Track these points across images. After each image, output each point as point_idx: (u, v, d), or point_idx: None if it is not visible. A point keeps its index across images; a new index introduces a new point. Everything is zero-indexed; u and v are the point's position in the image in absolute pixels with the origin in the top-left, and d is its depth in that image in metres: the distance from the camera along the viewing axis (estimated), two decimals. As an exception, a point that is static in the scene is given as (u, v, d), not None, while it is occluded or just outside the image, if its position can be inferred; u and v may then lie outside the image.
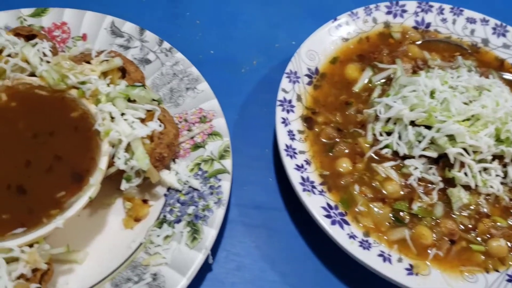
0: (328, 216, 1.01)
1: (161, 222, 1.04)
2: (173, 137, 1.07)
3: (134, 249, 1.01)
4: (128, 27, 1.28)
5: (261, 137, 1.23)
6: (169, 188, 1.09)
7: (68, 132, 1.04)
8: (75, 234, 1.02)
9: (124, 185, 1.02)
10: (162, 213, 1.05)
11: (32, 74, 1.11)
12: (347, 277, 1.05)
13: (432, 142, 1.08)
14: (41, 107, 1.08)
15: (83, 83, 1.07)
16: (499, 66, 1.30)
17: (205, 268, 1.03)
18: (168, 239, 1.00)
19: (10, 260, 0.88)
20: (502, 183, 1.08)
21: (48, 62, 1.11)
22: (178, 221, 1.03)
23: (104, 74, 1.12)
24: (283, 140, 1.09)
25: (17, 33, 1.16)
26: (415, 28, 1.35)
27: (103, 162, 1.00)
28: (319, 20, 1.30)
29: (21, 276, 0.87)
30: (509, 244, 1.02)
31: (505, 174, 1.08)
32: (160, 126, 1.05)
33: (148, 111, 1.07)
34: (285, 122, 1.12)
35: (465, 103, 1.10)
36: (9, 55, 1.11)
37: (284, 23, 1.45)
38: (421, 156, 1.09)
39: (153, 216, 1.06)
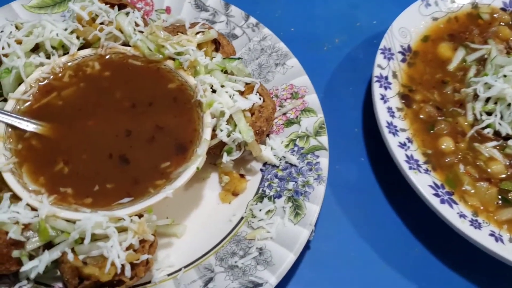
0: (437, 195, 0.97)
1: (260, 196, 1.01)
2: (272, 111, 1.04)
3: (236, 223, 0.98)
4: (213, 1, 1.25)
5: (350, 117, 1.20)
6: (265, 164, 1.06)
7: (167, 103, 1.02)
8: (172, 208, 0.99)
9: (225, 158, 0.99)
10: (260, 188, 1.02)
11: (125, 44, 1.08)
12: (448, 258, 1.01)
13: (538, 121, 1.05)
14: (136, 77, 1.05)
15: (180, 53, 1.04)
16: None
17: (304, 246, 1.00)
18: (270, 214, 0.97)
19: (119, 230, 0.85)
20: None
21: (140, 32, 1.08)
22: (279, 196, 1.00)
23: (198, 47, 1.08)
24: (383, 117, 1.06)
25: (106, 2, 1.13)
26: (503, 9, 1.31)
27: (207, 133, 0.97)
28: (400, 1, 1.27)
29: (130, 246, 0.84)
30: None
31: None
32: (260, 99, 1.02)
33: (246, 84, 1.04)
34: (383, 98, 1.09)
35: None
36: (101, 23, 1.08)
37: (364, 3, 1.42)
38: (525, 136, 1.06)
39: (251, 191, 1.03)
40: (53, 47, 1.06)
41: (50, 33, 1.04)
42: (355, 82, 1.22)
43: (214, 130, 0.99)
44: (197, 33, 1.08)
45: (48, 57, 1.05)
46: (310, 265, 1.00)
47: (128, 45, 1.08)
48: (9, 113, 0.96)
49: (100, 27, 1.06)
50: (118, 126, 0.98)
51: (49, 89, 1.02)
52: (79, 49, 1.08)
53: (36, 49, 1.06)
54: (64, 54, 1.07)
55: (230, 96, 1.00)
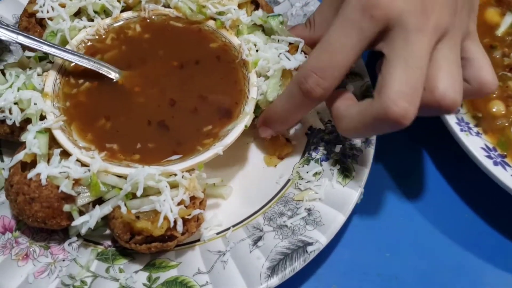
0: (489, 157, 0.95)
1: (307, 159, 0.99)
2: None
3: (282, 184, 0.97)
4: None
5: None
6: (310, 127, 1.04)
7: (212, 63, 1.01)
8: (217, 171, 0.97)
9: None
10: (306, 151, 1.01)
11: (167, 6, 1.08)
12: (506, 225, 0.99)
13: None
14: (179, 39, 1.05)
15: (221, 13, 1.03)
16: None
17: (353, 209, 0.98)
18: (317, 176, 0.96)
19: (170, 187, 0.84)
20: None
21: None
22: (326, 159, 0.98)
23: (238, 7, 1.06)
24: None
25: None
26: (553, -26, 1.27)
27: (253, 92, 0.95)
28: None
29: (181, 202, 0.83)
30: None
31: None
32: (305, 58, 0.99)
33: (290, 44, 1.01)
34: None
35: None
36: (141, -15, 1.07)
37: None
38: None
39: (297, 155, 1.01)
40: (95, 12, 1.05)
41: (92, -3, 1.04)
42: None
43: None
44: (237, -7, 1.07)
45: (91, 21, 1.05)
46: (358, 228, 0.98)
47: (169, 7, 1.07)
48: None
49: (140, -11, 1.06)
50: (164, 93, 0.97)
51: (93, 51, 1.02)
52: (121, 12, 1.07)
53: (78, 13, 1.05)
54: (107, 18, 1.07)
55: (277, 55, 0.98)
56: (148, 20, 1.07)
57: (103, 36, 1.04)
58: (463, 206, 1.02)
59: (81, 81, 0.98)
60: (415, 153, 1.08)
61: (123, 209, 0.80)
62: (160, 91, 0.97)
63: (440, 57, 0.76)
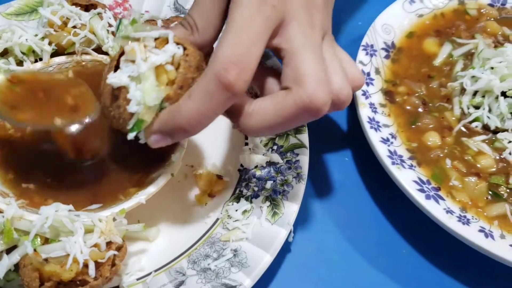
0: (422, 191, 0.92)
1: (237, 197, 0.97)
2: (199, 58, 0.84)
3: (211, 224, 0.94)
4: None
5: (333, 116, 1.16)
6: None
7: None
8: (146, 211, 0.94)
9: None
10: (238, 188, 0.98)
11: (99, 47, 1.06)
12: (440, 257, 0.96)
13: (528, 113, 1.00)
14: None
15: None
16: None
17: (285, 248, 0.96)
18: (246, 214, 0.93)
19: (87, 231, 0.81)
20: None
21: (113, 33, 1.06)
22: (256, 196, 0.95)
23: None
24: (365, 112, 1.02)
25: (74, 3, 1.10)
26: (491, 5, 1.27)
27: (185, 140, 0.94)
28: (387, 3, 1.24)
29: (95, 246, 0.80)
30: None
31: None
32: (179, 48, 0.81)
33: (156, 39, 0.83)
34: (365, 94, 1.05)
35: (562, 72, 1.02)
36: (74, 27, 1.05)
37: (349, 5, 1.39)
38: (515, 129, 1.01)
39: (228, 192, 0.98)
40: (22, 53, 1.04)
41: (19, 38, 1.02)
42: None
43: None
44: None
45: (19, 63, 1.03)
46: (290, 268, 0.95)
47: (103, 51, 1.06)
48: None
49: (74, 32, 1.04)
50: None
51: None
52: (53, 55, 1.06)
53: (5, 53, 1.04)
54: (38, 60, 1.05)
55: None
56: (82, 65, 1.05)
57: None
58: (401, 241, 0.98)
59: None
60: (352, 190, 1.05)
61: (29, 250, 0.77)
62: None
63: (325, 52, 0.79)
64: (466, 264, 0.95)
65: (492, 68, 1.04)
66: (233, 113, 0.79)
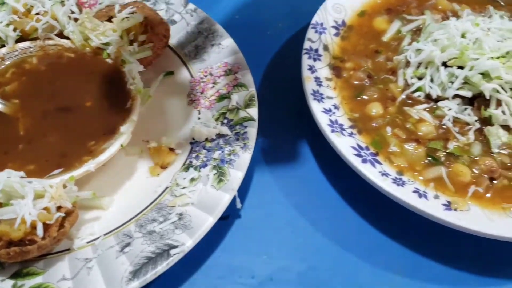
0: (359, 155, 0.97)
1: (187, 167, 1.02)
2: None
3: (160, 193, 0.99)
4: (155, -9, 1.29)
5: (288, 95, 1.21)
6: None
7: (105, 87, 1.06)
8: (104, 182, 1.02)
9: None
10: (188, 159, 1.03)
11: (62, 32, 1.13)
12: (380, 222, 1.00)
13: (466, 82, 1.04)
14: (72, 68, 1.10)
15: (107, 44, 1.08)
16: (538, 16, 1.25)
17: (234, 214, 1.01)
18: (194, 182, 0.98)
19: (39, 196, 0.87)
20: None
21: (76, 19, 1.13)
22: (204, 165, 1.01)
23: (127, 31, 1.11)
24: (310, 86, 1.06)
25: (40, -9, 1.17)
26: (443, -17, 1.31)
27: (135, 114, 1.00)
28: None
29: (45, 209, 0.86)
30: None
31: (547, 114, 1.02)
32: None
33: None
34: (311, 69, 1.10)
35: (499, 42, 1.05)
36: (37, 14, 1.12)
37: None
38: (455, 97, 1.04)
39: (179, 164, 1.04)
40: (-12, 40, 1.11)
41: (-16, 25, 1.09)
42: (295, 63, 1.22)
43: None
44: (124, 18, 1.10)
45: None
46: (239, 231, 0.99)
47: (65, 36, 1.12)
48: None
49: (37, 18, 1.10)
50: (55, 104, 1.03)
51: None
52: (18, 41, 1.12)
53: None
54: (2, 46, 1.12)
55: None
56: (45, 50, 1.11)
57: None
58: (344, 205, 1.02)
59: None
60: (299, 158, 1.09)
61: (-21, 212, 0.83)
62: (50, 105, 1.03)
63: None
64: (405, 227, 0.98)
65: (435, 40, 1.08)
66: None
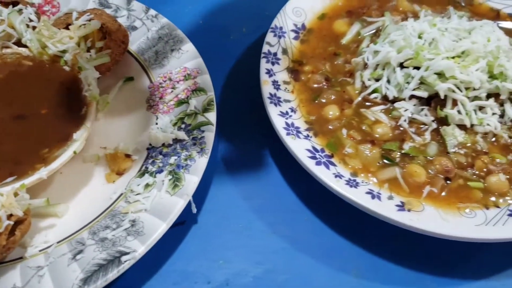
0: (313, 158, 0.97)
1: (142, 173, 1.01)
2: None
3: (114, 199, 0.98)
4: (116, -1, 1.29)
5: (249, 99, 1.20)
6: (151, 143, 1.07)
7: (61, 94, 1.06)
8: (60, 189, 1.02)
9: None
10: (144, 165, 1.03)
11: (19, 41, 1.12)
12: (337, 224, 1.00)
13: (422, 82, 1.04)
14: (30, 76, 1.09)
15: (64, 51, 1.08)
16: (495, 16, 1.26)
17: (191, 220, 1.01)
18: (148, 188, 0.98)
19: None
20: (499, 122, 1.02)
21: (34, 27, 1.12)
22: (160, 171, 1.00)
23: (85, 38, 1.11)
24: (267, 89, 1.06)
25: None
26: (404, -16, 1.31)
27: (89, 121, 1.00)
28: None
29: (-6, 218, 0.85)
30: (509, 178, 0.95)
31: (503, 113, 1.03)
32: None
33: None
34: (269, 73, 1.10)
35: (455, 42, 1.05)
36: (-5, 22, 1.12)
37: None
38: (411, 98, 1.05)
39: (135, 170, 1.03)
40: None
41: None
42: (256, 67, 1.22)
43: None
44: (81, 25, 1.11)
45: None
46: (195, 237, 0.99)
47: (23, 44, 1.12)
48: None
49: (-7, 27, 1.11)
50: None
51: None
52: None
53: None
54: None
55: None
56: (2, 59, 1.11)
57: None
58: (303, 209, 1.02)
59: None
60: (259, 161, 1.09)
61: None
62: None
63: None
64: (361, 229, 0.98)
65: (392, 42, 1.08)
66: None
